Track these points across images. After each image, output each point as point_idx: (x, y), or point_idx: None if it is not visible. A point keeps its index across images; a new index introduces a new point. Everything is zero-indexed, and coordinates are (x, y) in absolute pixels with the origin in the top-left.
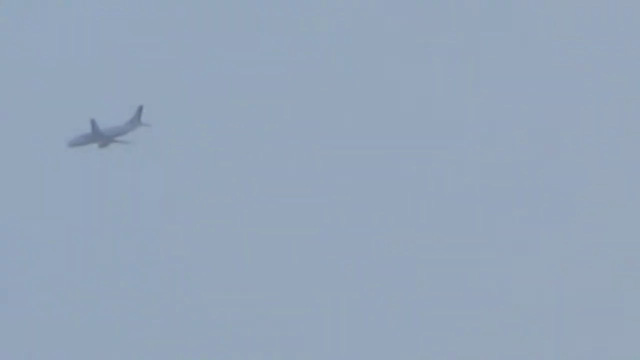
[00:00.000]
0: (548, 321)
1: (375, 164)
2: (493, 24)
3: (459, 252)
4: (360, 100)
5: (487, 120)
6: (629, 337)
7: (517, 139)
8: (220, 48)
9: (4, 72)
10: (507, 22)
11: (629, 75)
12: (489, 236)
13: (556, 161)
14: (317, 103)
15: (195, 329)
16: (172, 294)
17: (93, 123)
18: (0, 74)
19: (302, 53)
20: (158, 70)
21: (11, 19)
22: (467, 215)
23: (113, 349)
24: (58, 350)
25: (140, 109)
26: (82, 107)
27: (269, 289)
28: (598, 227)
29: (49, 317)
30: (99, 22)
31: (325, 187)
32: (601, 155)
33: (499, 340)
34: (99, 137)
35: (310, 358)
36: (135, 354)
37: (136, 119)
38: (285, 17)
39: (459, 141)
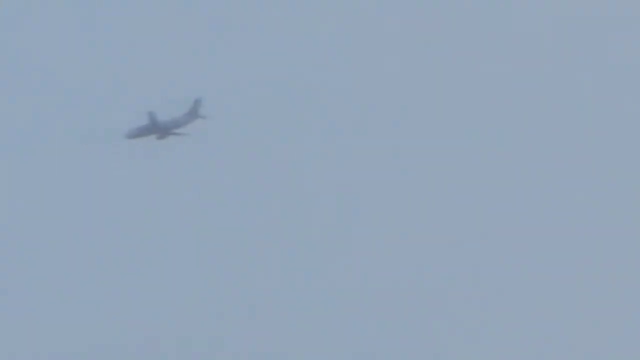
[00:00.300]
0: None
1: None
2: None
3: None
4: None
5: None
6: None
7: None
8: (276, 42)
9: (65, 64)
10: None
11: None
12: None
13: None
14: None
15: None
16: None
17: (151, 115)
18: (62, 66)
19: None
20: (214, 64)
21: (64, 12)
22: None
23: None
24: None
25: (197, 101)
26: (141, 99)
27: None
28: None
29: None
30: (155, 17)
31: (365, 185)
32: None
33: None
34: (157, 129)
35: None
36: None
37: (194, 112)
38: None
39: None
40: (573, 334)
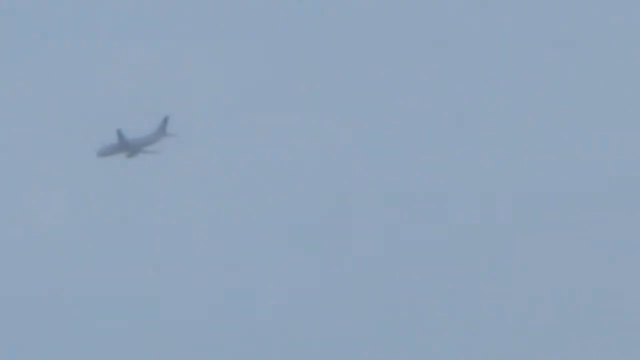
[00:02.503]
0: None
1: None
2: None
3: None
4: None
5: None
6: None
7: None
8: (238, 56)
9: (34, 84)
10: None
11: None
12: None
13: None
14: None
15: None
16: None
17: (119, 133)
18: (31, 86)
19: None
20: (182, 81)
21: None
22: None
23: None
24: None
25: (165, 119)
26: (110, 118)
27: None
28: None
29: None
30: (124, 41)
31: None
32: None
33: None
34: (126, 147)
35: None
36: None
37: (162, 129)
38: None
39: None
40: None
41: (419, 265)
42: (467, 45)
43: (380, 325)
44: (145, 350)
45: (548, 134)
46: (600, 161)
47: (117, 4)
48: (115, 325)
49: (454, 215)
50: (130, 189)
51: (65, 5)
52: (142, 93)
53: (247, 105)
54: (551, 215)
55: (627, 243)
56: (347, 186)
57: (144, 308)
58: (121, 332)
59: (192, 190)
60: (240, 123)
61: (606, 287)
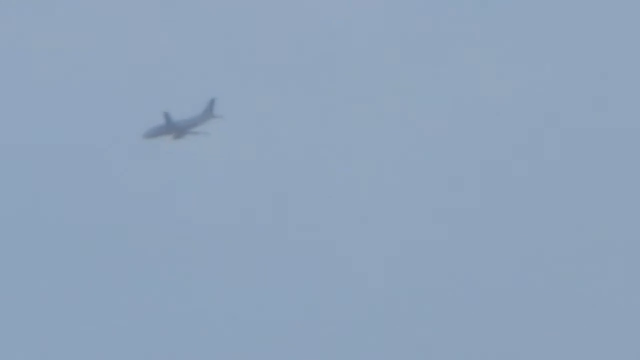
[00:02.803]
0: None
1: None
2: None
3: None
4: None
5: None
6: None
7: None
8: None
9: (82, 66)
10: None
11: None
12: None
13: None
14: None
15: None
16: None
17: (166, 115)
18: (79, 68)
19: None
20: (229, 62)
21: (86, 16)
22: None
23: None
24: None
25: (212, 101)
26: (157, 99)
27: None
28: None
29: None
30: (174, 18)
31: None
32: None
33: None
34: (173, 128)
35: None
36: None
37: (209, 111)
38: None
39: None
40: None
41: None
42: None
43: None
44: None
45: None
46: None
47: None
48: None
49: None
50: (177, 171)
51: None
52: (187, 74)
53: (295, 86)
54: None
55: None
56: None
57: None
58: None
59: (240, 171)
60: (286, 105)
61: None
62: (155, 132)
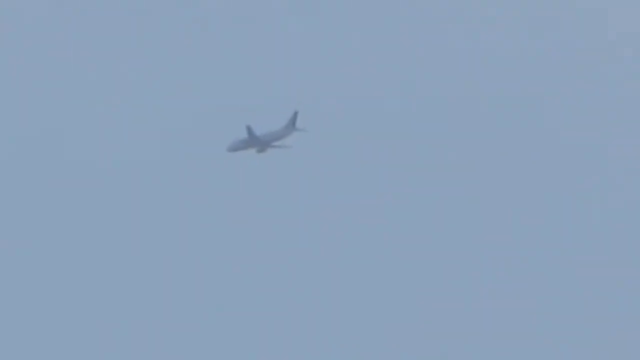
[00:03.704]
0: None
1: None
2: None
3: None
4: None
5: None
6: None
7: None
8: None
9: (165, 81)
10: None
11: None
12: None
13: None
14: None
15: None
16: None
17: (249, 129)
18: (162, 82)
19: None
20: (312, 76)
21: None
22: None
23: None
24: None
25: (295, 114)
26: (240, 112)
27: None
28: None
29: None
30: (259, 34)
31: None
32: None
33: None
34: (256, 142)
35: None
36: None
37: (291, 124)
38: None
39: None
40: None
41: None
42: None
43: None
44: None
45: None
46: None
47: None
48: None
49: None
50: (261, 184)
51: None
52: (272, 87)
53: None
54: None
55: None
56: None
57: None
58: None
59: (323, 186)
60: (367, 116)
61: None
62: (239, 146)
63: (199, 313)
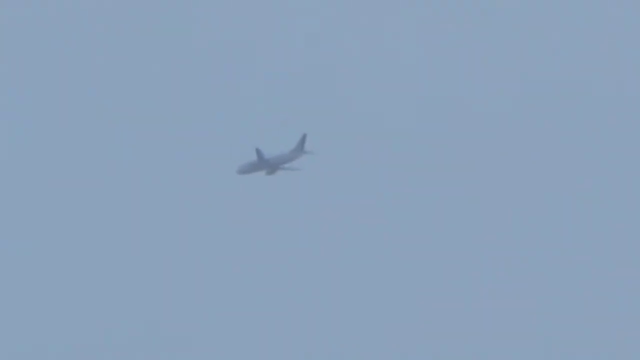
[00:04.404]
0: None
1: None
2: None
3: None
4: None
5: None
6: None
7: None
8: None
9: (173, 103)
10: None
11: None
12: None
13: None
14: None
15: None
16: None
17: (258, 152)
18: (170, 105)
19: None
20: (319, 100)
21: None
22: None
23: None
24: None
25: (304, 136)
26: (250, 135)
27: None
28: None
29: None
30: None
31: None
32: None
33: None
34: (265, 164)
35: None
36: None
37: (300, 147)
38: None
39: None
40: None
41: None
42: None
43: None
44: None
45: None
46: None
47: None
48: None
49: None
50: (271, 206)
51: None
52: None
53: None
54: None
55: None
56: None
57: None
58: None
59: (333, 207)
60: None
61: None
62: (249, 168)
63: (207, 334)
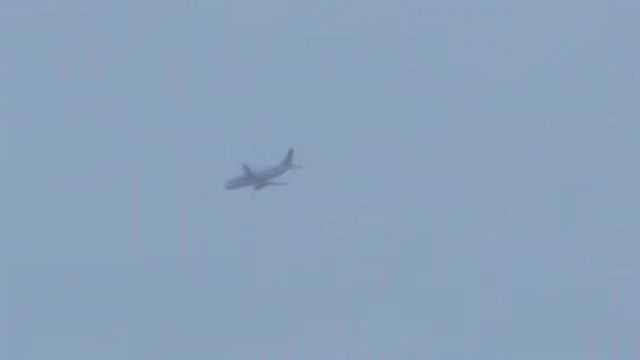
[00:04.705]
0: None
1: None
2: None
3: None
4: None
5: None
6: None
7: None
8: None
9: (163, 121)
10: None
11: None
12: None
13: None
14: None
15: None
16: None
17: (245, 167)
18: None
19: None
20: (306, 113)
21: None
22: None
23: None
24: None
25: (290, 152)
26: (238, 149)
27: None
28: None
29: None
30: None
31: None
32: None
33: None
34: (253, 179)
35: None
36: None
37: (287, 161)
38: None
39: None
40: None
41: None
42: None
43: None
44: None
45: None
46: None
47: None
48: None
49: None
50: (259, 221)
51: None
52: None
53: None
54: None
55: None
56: None
57: None
58: None
59: (320, 221)
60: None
61: None
62: (237, 183)
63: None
